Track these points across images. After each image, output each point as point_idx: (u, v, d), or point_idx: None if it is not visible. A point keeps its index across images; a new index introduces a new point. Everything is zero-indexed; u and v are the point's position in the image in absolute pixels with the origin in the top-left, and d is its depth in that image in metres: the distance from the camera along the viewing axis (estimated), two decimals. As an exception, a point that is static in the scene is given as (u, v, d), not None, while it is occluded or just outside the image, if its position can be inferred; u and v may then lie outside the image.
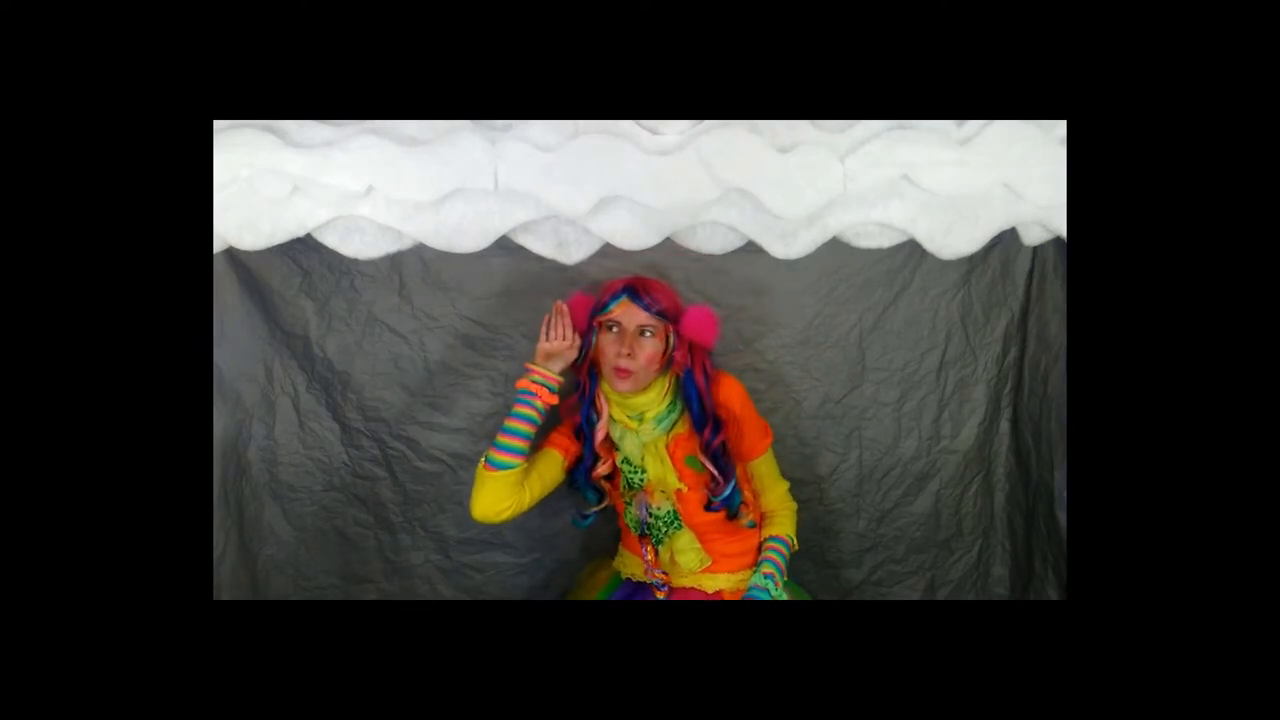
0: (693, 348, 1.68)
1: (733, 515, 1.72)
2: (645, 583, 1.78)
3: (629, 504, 1.76)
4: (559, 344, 1.63)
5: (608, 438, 1.73)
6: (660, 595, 1.74)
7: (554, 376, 1.64)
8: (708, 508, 1.70)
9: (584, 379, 1.71)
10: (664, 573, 1.75)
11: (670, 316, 1.66)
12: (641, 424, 1.69)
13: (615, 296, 1.65)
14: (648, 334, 1.65)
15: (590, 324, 1.69)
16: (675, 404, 1.72)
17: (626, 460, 1.72)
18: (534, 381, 1.63)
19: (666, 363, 1.70)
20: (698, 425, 1.68)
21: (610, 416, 1.72)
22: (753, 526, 1.79)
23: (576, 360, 1.70)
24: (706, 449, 1.68)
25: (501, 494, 1.61)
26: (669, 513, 1.71)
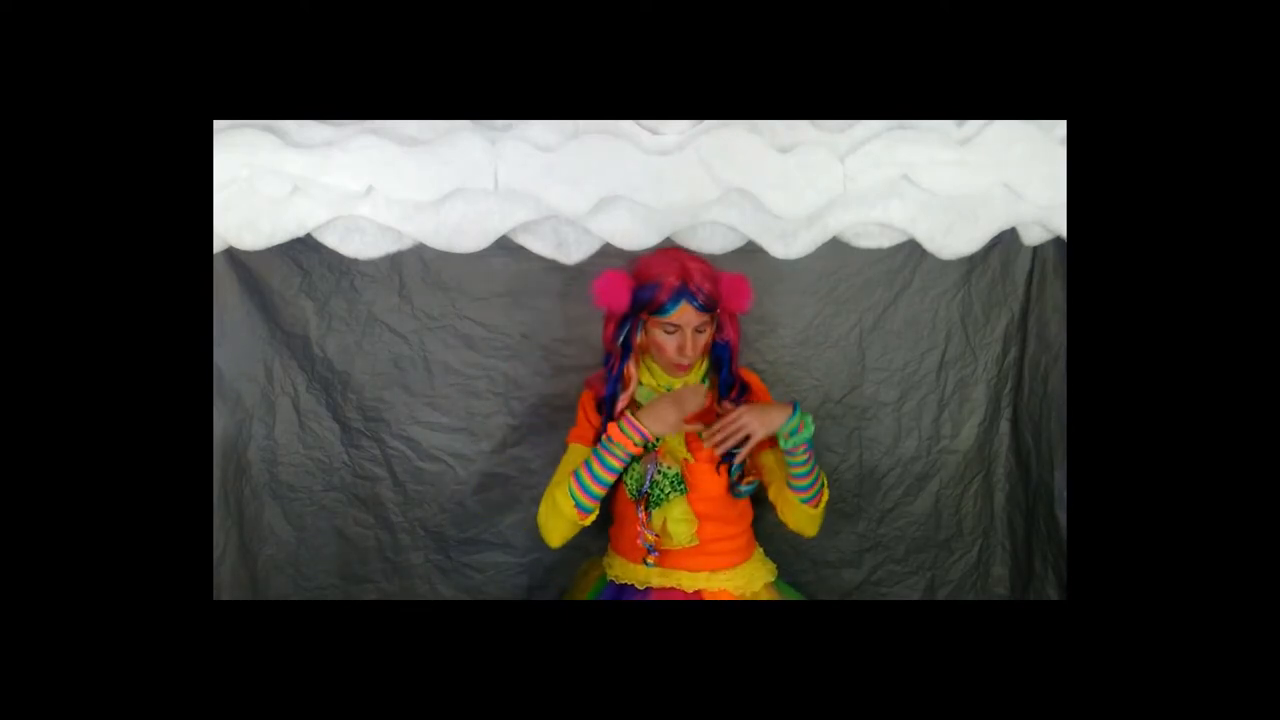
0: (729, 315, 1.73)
1: (735, 479, 1.73)
2: (627, 585, 1.78)
3: (635, 462, 1.73)
4: (675, 430, 1.63)
5: (632, 402, 1.74)
6: (650, 560, 1.73)
7: (651, 438, 1.63)
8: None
9: (615, 353, 1.72)
10: (656, 536, 1.74)
11: (717, 302, 1.67)
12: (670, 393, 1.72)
13: (673, 301, 1.62)
14: (702, 328, 1.67)
15: (638, 316, 1.68)
16: (706, 378, 1.76)
17: None
18: (636, 444, 1.62)
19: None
20: (724, 388, 1.73)
21: (639, 381, 1.74)
22: (751, 491, 1.78)
23: (619, 339, 1.71)
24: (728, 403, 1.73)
25: (579, 529, 1.67)
26: (676, 475, 1.71)
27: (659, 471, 1.71)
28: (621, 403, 1.72)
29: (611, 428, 1.63)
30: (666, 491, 1.71)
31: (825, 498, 1.74)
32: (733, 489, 1.74)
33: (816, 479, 1.70)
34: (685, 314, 1.63)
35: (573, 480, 1.63)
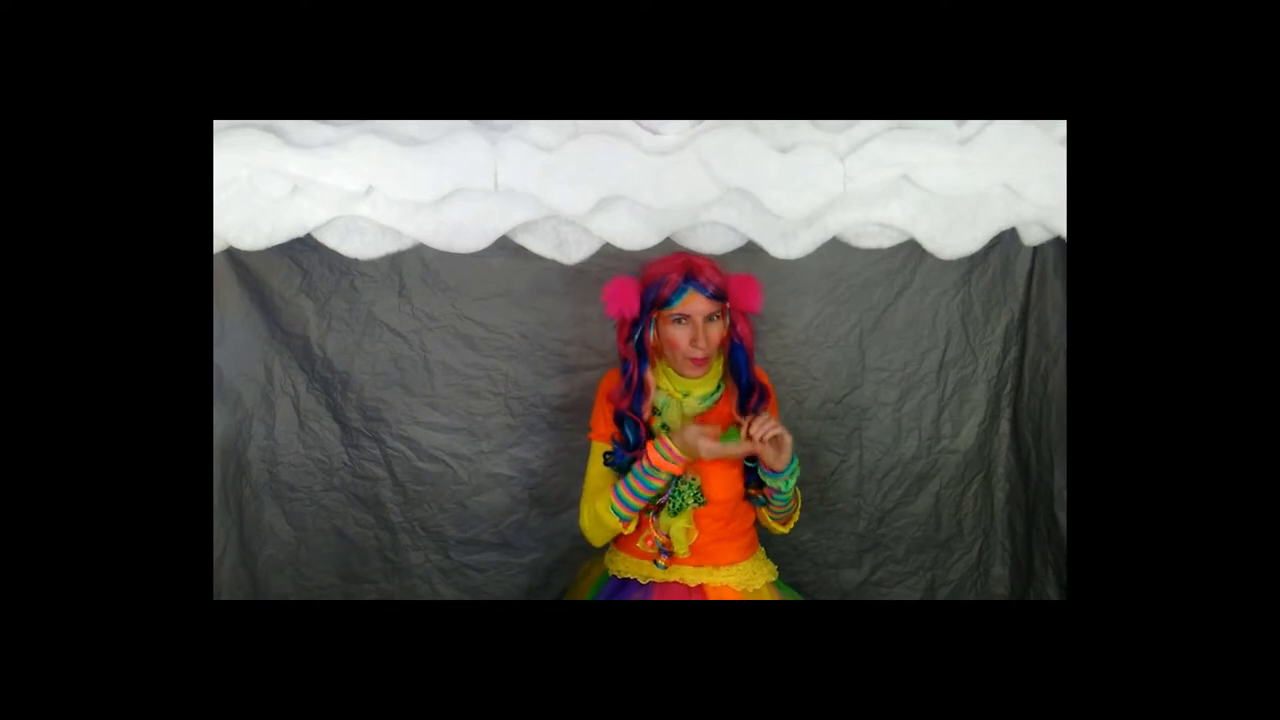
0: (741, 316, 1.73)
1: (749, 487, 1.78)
2: (630, 579, 1.78)
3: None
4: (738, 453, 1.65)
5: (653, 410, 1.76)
6: (662, 561, 1.76)
7: (687, 461, 1.67)
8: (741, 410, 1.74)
9: (631, 358, 1.71)
10: (666, 536, 1.76)
11: (726, 294, 1.68)
12: (687, 398, 1.74)
13: (679, 291, 1.64)
14: (713, 318, 1.67)
15: (648, 315, 1.68)
16: (720, 385, 1.76)
17: (665, 426, 1.74)
18: (677, 467, 1.65)
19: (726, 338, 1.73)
20: (745, 394, 1.73)
21: (656, 385, 1.75)
22: (763, 503, 1.82)
23: (631, 341, 1.71)
24: (749, 412, 1.73)
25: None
26: (699, 488, 1.74)
27: (684, 481, 1.73)
28: (645, 411, 1.73)
29: (652, 453, 1.66)
30: (687, 501, 1.74)
31: (795, 519, 1.82)
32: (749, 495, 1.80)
33: (792, 504, 1.79)
34: (693, 302, 1.64)
35: (614, 498, 1.70)
